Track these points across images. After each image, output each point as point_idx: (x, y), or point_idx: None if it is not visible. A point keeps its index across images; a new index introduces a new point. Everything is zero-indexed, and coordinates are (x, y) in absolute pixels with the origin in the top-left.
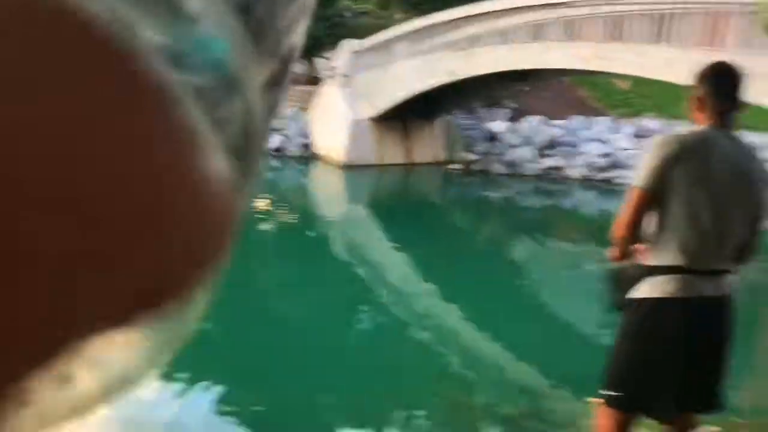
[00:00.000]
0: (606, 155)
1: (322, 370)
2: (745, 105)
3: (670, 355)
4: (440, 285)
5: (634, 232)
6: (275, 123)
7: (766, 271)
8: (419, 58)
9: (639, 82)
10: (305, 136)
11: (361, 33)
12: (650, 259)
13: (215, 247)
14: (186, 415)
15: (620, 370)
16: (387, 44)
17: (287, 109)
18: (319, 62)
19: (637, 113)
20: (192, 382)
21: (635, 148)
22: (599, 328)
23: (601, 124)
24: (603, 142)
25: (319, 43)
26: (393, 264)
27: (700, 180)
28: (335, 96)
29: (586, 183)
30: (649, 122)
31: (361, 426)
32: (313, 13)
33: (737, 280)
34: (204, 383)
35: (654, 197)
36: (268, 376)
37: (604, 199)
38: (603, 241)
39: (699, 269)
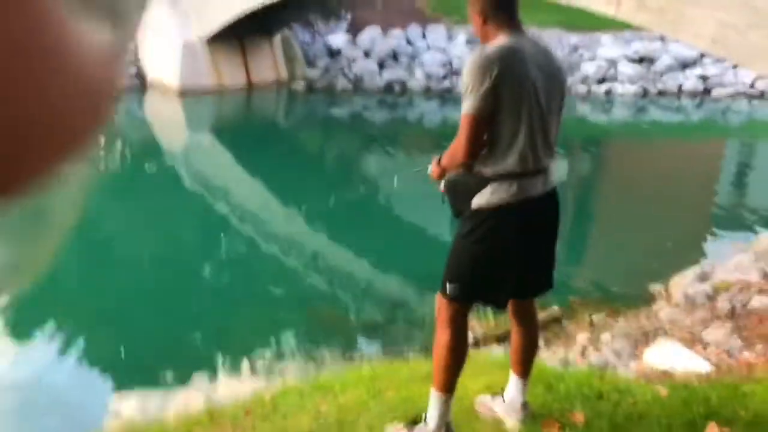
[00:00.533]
0: (444, 64)
1: (185, 305)
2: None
3: (508, 254)
4: (294, 207)
5: (474, 155)
6: None
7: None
8: None
9: None
10: (134, 63)
11: None
12: (485, 169)
13: (93, 108)
14: (51, 369)
15: (460, 266)
16: None
17: None
18: None
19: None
20: (51, 332)
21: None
22: (446, 231)
23: (437, 33)
24: (441, 50)
25: None
26: (243, 191)
27: (523, 91)
28: (162, 15)
29: (428, 94)
30: None
31: (234, 355)
32: None
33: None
34: (63, 333)
35: (486, 118)
36: (129, 318)
37: (446, 109)
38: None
39: (530, 171)
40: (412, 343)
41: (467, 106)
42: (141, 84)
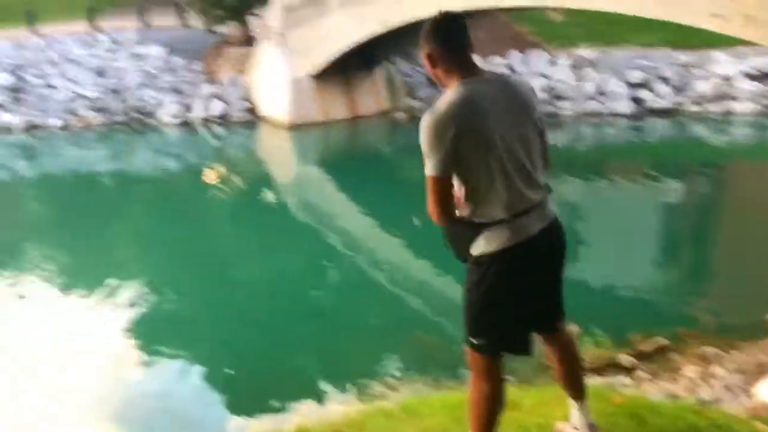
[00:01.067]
0: (546, 90)
1: (292, 329)
2: (470, 45)
3: (519, 296)
4: (398, 234)
5: (449, 213)
6: (213, 89)
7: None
8: (351, 9)
9: (571, 12)
10: (247, 99)
11: None
12: (474, 218)
13: None
14: (172, 388)
15: (479, 320)
16: None
17: (225, 74)
18: (252, 21)
19: (572, 44)
20: (169, 354)
21: (574, 80)
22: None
23: (538, 58)
24: (542, 76)
25: (248, 1)
26: (349, 218)
27: (487, 143)
28: (272, 55)
29: None
30: (584, 52)
31: (333, 377)
32: None
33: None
34: (180, 354)
35: (451, 177)
36: (240, 339)
37: (549, 134)
38: (555, 173)
39: (519, 212)
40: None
41: (428, 167)
42: (254, 119)
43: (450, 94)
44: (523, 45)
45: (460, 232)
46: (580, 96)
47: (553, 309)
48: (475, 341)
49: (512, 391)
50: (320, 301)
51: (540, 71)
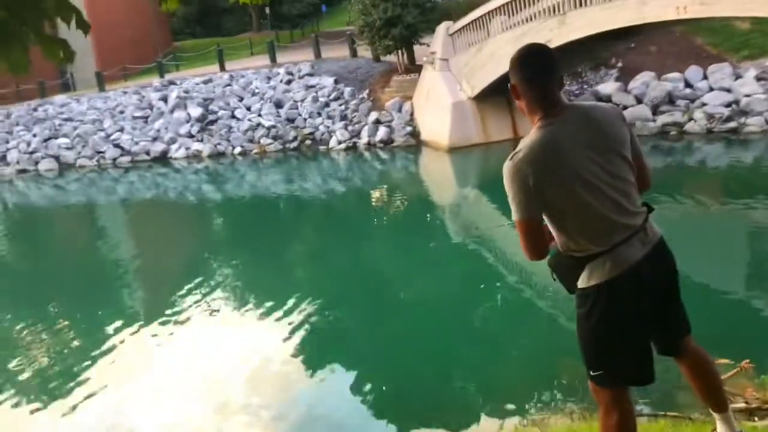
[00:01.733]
0: (729, 104)
1: (449, 351)
2: (558, 80)
3: (631, 326)
4: None
5: (538, 254)
6: (379, 115)
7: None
8: (514, 32)
9: (760, 19)
10: (410, 124)
11: (458, 13)
12: (574, 252)
13: None
14: (323, 397)
15: (597, 353)
16: (482, 21)
17: (391, 100)
18: (418, 49)
19: (761, 54)
20: (327, 367)
21: (761, 92)
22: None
23: (721, 72)
24: (725, 90)
25: (415, 30)
26: (506, 240)
27: (571, 184)
28: (436, 81)
29: (710, 136)
30: None
31: (494, 404)
32: (406, 3)
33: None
34: (336, 367)
35: (538, 218)
36: (397, 358)
37: (732, 151)
38: (738, 193)
39: (618, 242)
40: (672, 402)
41: (514, 212)
42: (416, 143)
43: (530, 136)
44: (704, 58)
45: (564, 265)
46: None
47: (674, 330)
48: (593, 374)
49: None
50: (477, 323)
51: (722, 86)
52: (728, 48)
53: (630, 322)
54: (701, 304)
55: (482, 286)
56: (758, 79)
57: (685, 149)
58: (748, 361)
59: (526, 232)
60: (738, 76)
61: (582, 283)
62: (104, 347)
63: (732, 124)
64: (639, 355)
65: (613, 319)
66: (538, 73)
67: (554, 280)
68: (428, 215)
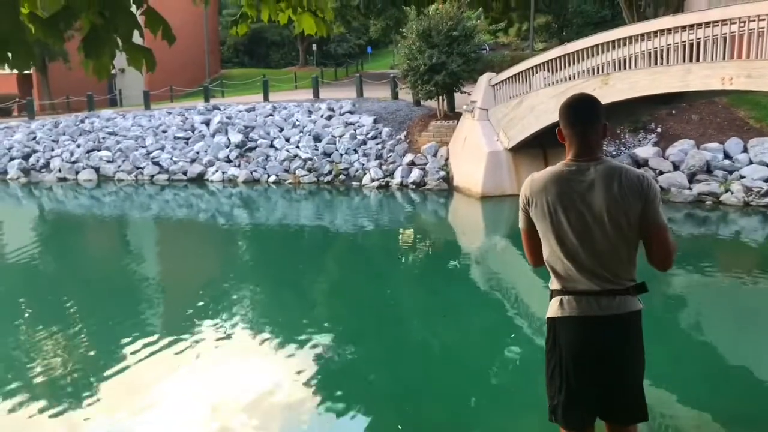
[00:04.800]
0: None
1: (465, 401)
2: (598, 127)
3: (569, 368)
4: None
5: (534, 261)
6: (414, 158)
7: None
8: (556, 88)
9: None
10: (444, 169)
11: (501, 66)
12: (550, 284)
13: None
14: None
15: (547, 384)
16: (524, 75)
17: (427, 144)
18: (458, 97)
19: None
20: (340, 405)
21: None
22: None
23: (762, 146)
24: (766, 164)
25: (457, 78)
26: (534, 294)
27: (548, 215)
28: (473, 129)
29: (746, 209)
30: None
31: None
32: (451, 51)
33: (631, 301)
34: (349, 407)
35: (529, 231)
36: (406, 400)
37: None
38: None
39: (576, 290)
40: None
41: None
42: (447, 188)
43: (556, 165)
44: (745, 131)
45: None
46: None
47: (615, 404)
48: (549, 407)
49: None
50: (493, 375)
51: (762, 160)
52: None
53: (570, 363)
54: (728, 377)
55: (502, 337)
56: None
57: (720, 220)
58: None
59: (523, 239)
60: None
61: (548, 311)
62: (116, 359)
63: None
64: (575, 403)
65: (557, 352)
66: (580, 118)
67: None
68: (454, 261)
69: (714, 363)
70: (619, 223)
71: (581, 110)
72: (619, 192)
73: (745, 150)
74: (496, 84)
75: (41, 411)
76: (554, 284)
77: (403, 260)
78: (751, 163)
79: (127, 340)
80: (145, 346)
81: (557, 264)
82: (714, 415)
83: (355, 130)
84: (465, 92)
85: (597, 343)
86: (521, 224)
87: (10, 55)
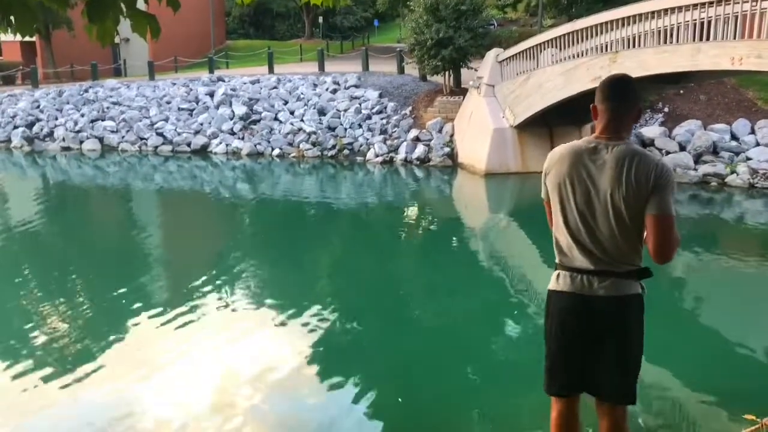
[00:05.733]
0: None
1: (460, 375)
2: (631, 107)
3: (556, 339)
4: None
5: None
6: (419, 133)
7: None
8: (564, 65)
9: None
10: (449, 145)
11: (509, 41)
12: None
13: None
14: (333, 410)
15: (546, 351)
16: (532, 52)
17: (432, 119)
18: (465, 73)
19: None
20: (340, 379)
21: None
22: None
23: None
24: None
25: (464, 53)
26: (535, 270)
27: (561, 187)
28: (479, 105)
29: (751, 191)
30: None
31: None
32: (459, 26)
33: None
34: (349, 381)
35: (546, 199)
36: (406, 375)
37: None
38: None
39: (573, 267)
40: None
41: None
42: (452, 164)
43: (575, 141)
44: (753, 112)
45: None
46: None
47: (599, 382)
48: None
49: None
50: (497, 351)
51: None
52: None
53: (560, 339)
54: (730, 358)
55: (504, 313)
56: None
57: (725, 201)
58: None
59: (546, 209)
60: None
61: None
62: (116, 330)
63: None
64: (561, 374)
65: (551, 326)
66: (616, 94)
67: None
68: (457, 237)
69: (714, 345)
70: (622, 207)
71: (618, 87)
72: (627, 176)
73: (753, 132)
74: (503, 60)
75: (45, 380)
76: (557, 257)
77: (405, 236)
78: (758, 144)
79: (130, 311)
80: (149, 317)
81: (561, 237)
82: (710, 396)
83: (360, 104)
84: (472, 68)
85: (584, 321)
86: (543, 194)
87: (13, 19)
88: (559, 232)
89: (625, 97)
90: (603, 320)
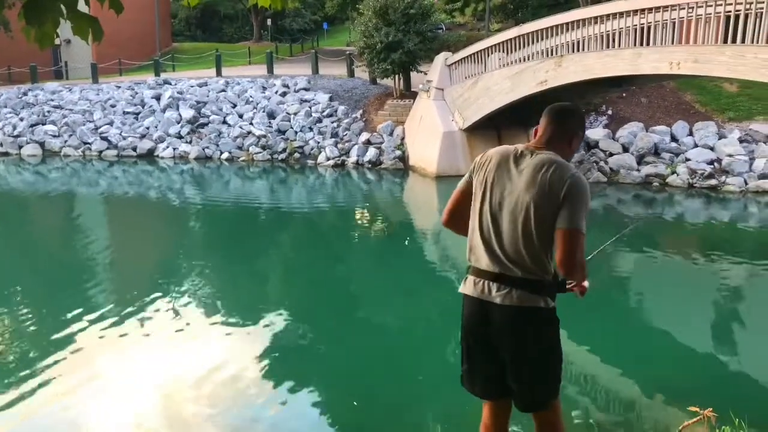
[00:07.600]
0: (712, 162)
1: (415, 377)
2: (566, 129)
3: (463, 342)
4: None
5: (445, 218)
6: (370, 136)
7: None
8: (510, 69)
9: (749, 84)
10: (400, 148)
11: (457, 45)
12: None
13: None
14: (287, 414)
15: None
16: (480, 56)
17: (383, 123)
18: (414, 76)
19: (746, 117)
20: (293, 383)
21: (743, 154)
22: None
23: (706, 130)
24: (709, 148)
25: (414, 57)
26: None
27: (480, 187)
28: (429, 109)
29: (690, 191)
30: (759, 126)
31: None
32: (408, 29)
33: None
34: (303, 385)
35: (461, 196)
36: (361, 377)
37: (712, 208)
38: (713, 250)
39: (479, 270)
40: None
41: None
42: (403, 167)
43: (508, 145)
44: (691, 115)
45: None
46: (749, 172)
47: (510, 389)
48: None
49: None
50: (446, 351)
51: (706, 143)
52: (715, 107)
53: (466, 338)
54: (674, 354)
55: (454, 314)
56: (741, 140)
57: (666, 201)
58: (711, 409)
59: (451, 197)
60: (722, 136)
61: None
62: (61, 342)
63: (712, 182)
64: (471, 372)
65: (464, 327)
66: (553, 113)
67: None
68: (409, 239)
69: (657, 341)
70: (531, 209)
71: (560, 110)
72: (541, 178)
73: (691, 133)
74: (452, 64)
75: None
76: (467, 258)
77: (357, 239)
78: (696, 146)
79: (75, 322)
80: (93, 324)
81: (472, 237)
82: (656, 391)
83: (310, 107)
84: (421, 71)
85: (483, 327)
86: (459, 184)
87: None
88: (473, 232)
89: (563, 118)
90: (497, 329)
